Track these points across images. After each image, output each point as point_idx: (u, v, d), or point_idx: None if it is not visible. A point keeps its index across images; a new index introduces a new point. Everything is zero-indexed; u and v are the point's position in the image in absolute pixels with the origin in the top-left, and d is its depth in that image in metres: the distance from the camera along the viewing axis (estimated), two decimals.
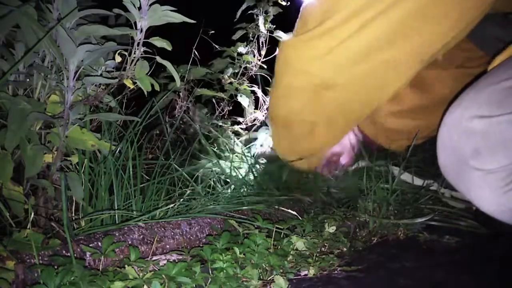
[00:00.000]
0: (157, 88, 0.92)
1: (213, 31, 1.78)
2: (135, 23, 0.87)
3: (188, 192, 1.08)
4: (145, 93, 0.92)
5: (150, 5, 0.85)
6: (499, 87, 0.86)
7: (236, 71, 1.93)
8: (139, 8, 0.85)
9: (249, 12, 1.88)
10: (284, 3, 1.86)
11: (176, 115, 1.69)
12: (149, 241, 0.86)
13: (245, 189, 1.21)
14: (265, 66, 1.93)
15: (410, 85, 1.43)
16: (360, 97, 1.14)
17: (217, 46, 1.88)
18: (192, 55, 1.67)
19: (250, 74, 1.95)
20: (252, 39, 1.93)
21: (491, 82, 0.88)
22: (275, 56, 1.71)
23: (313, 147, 1.29)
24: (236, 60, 1.93)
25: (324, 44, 1.07)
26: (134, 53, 0.89)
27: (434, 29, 1.02)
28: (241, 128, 1.85)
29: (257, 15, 1.90)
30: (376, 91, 1.13)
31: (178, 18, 0.87)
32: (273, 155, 1.42)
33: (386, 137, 1.44)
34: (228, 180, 1.28)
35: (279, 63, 1.21)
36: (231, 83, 1.89)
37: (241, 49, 1.91)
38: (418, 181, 1.32)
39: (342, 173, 1.43)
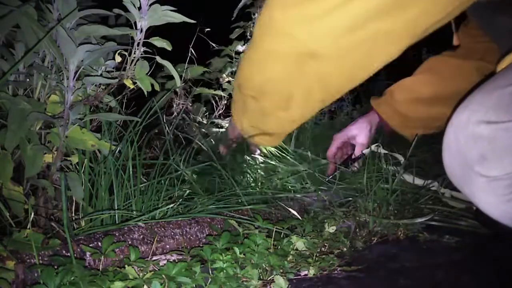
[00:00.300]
0: (157, 88, 0.92)
1: (210, 30, 1.78)
2: (135, 23, 0.87)
3: (188, 192, 1.08)
4: (145, 93, 0.91)
5: (150, 5, 0.85)
6: (506, 91, 0.85)
7: (234, 69, 1.93)
8: (139, 8, 0.85)
9: (246, 10, 1.87)
10: None
11: (174, 114, 1.69)
12: (149, 241, 0.86)
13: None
14: None
15: (430, 74, 1.41)
16: (344, 71, 1.07)
17: (214, 45, 1.88)
18: (189, 54, 1.67)
19: None
20: (250, 37, 1.93)
21: (498, 85, 0.87)
22: None
23: (282, 123, 1.21)
24: (234, 59, 1.93)
25: (317, 6, 0.98)
26: (134, 53, 0.89)
27: (431, 1, 0.99)
28: None
29: (254, 14, 1.90)
30: (361, 65, 1.07)
31: (178, 18, 0.87)
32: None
33: (400, 122, 1.42)
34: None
35: (261, 23, 1.09)
36: (229, 82, 1.89)
37: (239, 47, 1.90)
38: (418, 181, 1.32)
39: (357, 160, 1.42)
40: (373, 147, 1.43)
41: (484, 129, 0.83)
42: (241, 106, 1.24)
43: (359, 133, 1.44)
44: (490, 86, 0.88)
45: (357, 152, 1.44)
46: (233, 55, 1.92)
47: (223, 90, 1.88)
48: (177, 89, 1.72)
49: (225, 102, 1.91)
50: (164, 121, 1.21)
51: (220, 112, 1.91)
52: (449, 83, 1.40)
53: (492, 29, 1.23)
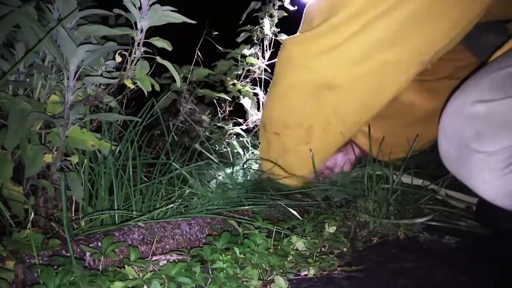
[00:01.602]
0: (157, 88, 0.92)
1: (217, 33, 1.79)
2: (135, 23, 0.87)
3: (188, 192, 1.08)
4: (145, 93, 0.91)
5: (151, 5, 0.85)
6: (501, 74, 0.88)
7: (239, 72, 1.93)
8: (140, 8, 0.85)
9: (254, 15, 1.88)
10: (289, 7, 1.86)
11: (180, 116, 1.70)
12: (149, 241, 0.86)
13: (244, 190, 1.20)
14: (269, 70, 1.93)
15: (408, 98, 1.44)
16: (359, 99, 1.14)
17: (220, 48, 1.89)
18: (195, 56, 1.68)
19: (253, 77, 1.95)
20: (257, 41, 1.94)
21: (492, 70, 0.90)
22: None
23: (304, 158, 1.24)
24: (240, 62, 1.93)
25: (328, 41, 1.07)
26: (135, 53, 0.89)
27: (434, 29, 1.04)
28: (242, 130, 1.85)
29: (262, 18, 1.90)
30: (374, 93, 1.13)
31: (178, 18, 0.87)
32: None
33: (383, 151, 1.43)
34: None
35: (281, 60, 1.19)
36: (234, 84, 1.89)
37: (245, 51, 1.91)
38: (417, 182, 1.32)
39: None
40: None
41: (480, 107, 0.86)
42: (266, 146, 1.30)
43: (335, 166, 1.45)
44: (483, 72, 0.92)
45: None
46: (239, 58, 1.92)
47: (227, 92, 1.88)
48: (183, 90, 1.73)
49: (228, 105, 1.91)
50: (165, 121, 1.22)
51: (223, 115, 1.91)
52: (420, 103, 1.44)
53: (477, 45, 1.27)
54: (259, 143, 1.37)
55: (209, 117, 1.84)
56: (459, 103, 0.90)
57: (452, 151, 0.93)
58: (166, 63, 0.91)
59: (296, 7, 1.82)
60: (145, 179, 1.07)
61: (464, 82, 0.93)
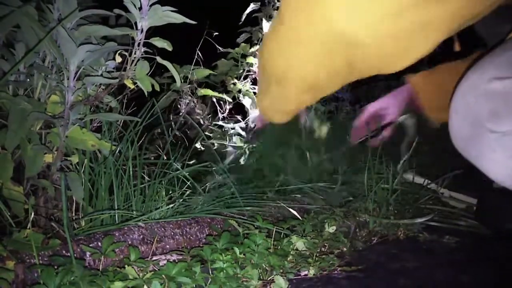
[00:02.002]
0: (157, 88, 0.92)
1: (218, 33, 1.79)
2: (135, 23, 0.87)
3: (188, 192, 1.08)
4: (145, 93, 0.92)
5: (151, 5, 0.85)
6: None
7: (240, 72, 1.94)
8: (140, 8, 0.85)
9: (254, 15, 1.89)
10: None
11: (180, 114, 1.70)
12: (149, 241, 0.86)
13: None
14: None
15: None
16: (377, 59, 1.00)
17: (220, 48, 1.89)
18: (196, 56, 1.68)
19: (254, 77, 1.96)
20: (257, 42, 1.94)
21: (507, 48, 0.87)
22: None
23: (303, 105, 1.17)
24: (240, 63, 1.94)
25: None
26: (135, 54, 0.89)
27: None
28: (242, 128, 1.85)
29: (261, 19, 1.91)
30: (396, 55, 0.99)
31: (178, 18, 0.87)
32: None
33: (430, 97, 1.31)
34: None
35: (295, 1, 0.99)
36: (234, 84, 1.90)
37: (245, 51, 1.92)
38: (419, 180, 1.32)
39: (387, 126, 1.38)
40: (402, 118, 1.38)
41: (497, 84, 0.82)
42: (264, 87, 1.18)
43: (391, 104, 1.36)
44: (499, 50, 0.88)
45: (388, 120, 1.36)
46: (239, 58, 1.93)
47: (228, 92, 1.88)
48: (184, 89, 1.73)
49: (229, 104, 1.92)
50: (165, 121, 1.22)
51: (223, 114, 1.92)
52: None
53: (496, 37, 1.23)
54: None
55: (209, 117, 1.84)
56: (474, 80, 0.86)
57: (463, 130, 0.89)
58: (166, 63, 0.91)
59: None
60: (147, 177, 1.07)
61: (480, 59, 0.89)
